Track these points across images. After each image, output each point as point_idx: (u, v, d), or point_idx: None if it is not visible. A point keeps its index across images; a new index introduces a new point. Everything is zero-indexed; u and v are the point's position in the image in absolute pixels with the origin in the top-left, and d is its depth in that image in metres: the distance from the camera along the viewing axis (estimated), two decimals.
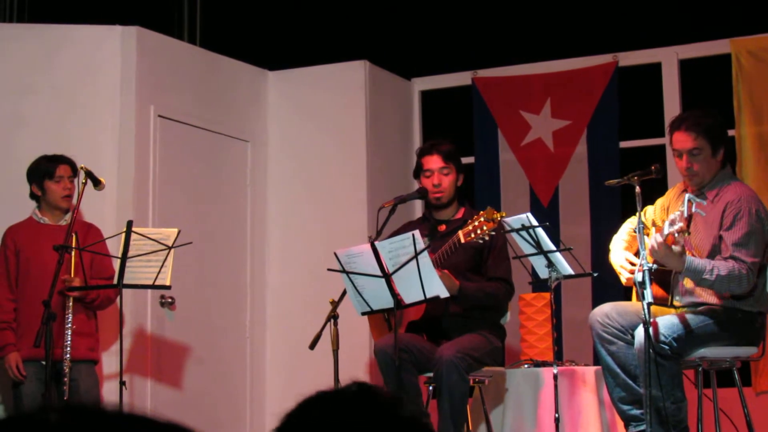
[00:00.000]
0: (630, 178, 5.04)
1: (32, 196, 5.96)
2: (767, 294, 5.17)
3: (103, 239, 5.83)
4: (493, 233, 5.29)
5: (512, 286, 5.73)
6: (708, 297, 5.12)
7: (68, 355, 5.44)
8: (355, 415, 1.36)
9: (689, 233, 4.61)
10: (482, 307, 5.75)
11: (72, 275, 5.59)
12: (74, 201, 5.85)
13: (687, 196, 4.57)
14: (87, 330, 5.84)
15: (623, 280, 5.33)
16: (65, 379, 5.41)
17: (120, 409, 1.15)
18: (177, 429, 1.16)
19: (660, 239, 4.66)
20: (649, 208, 5.49)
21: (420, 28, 8.11)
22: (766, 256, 5.12)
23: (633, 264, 5.24)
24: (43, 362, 5.38)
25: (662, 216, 5.37)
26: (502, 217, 5.23)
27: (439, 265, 5.42)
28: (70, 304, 5.53)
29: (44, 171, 5.90)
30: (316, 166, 7.70)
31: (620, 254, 5.37)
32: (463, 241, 5.35)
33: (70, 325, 5.48)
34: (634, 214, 5.51)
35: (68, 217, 5.90)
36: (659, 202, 5.53)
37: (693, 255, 5.02)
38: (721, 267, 4.87)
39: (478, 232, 5.27)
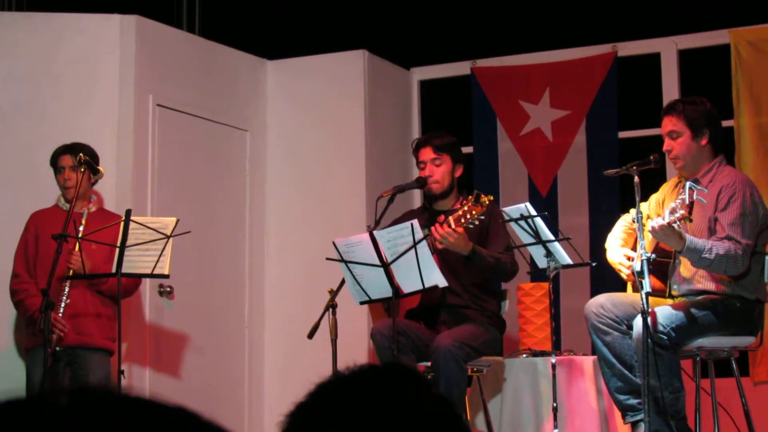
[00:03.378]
0: (629, 168, 5.05)
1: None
2: (764, 282, 5.19)
3: (102, 227, 5.83)
4: (482, 217, 5.29)
5: (516, 261, 5.69)
6: (706, 284, 5.12)
7: (56, 337, 5.47)
8: (391, 389, 1.39)
9: (691, 220, 4.61)
10: (482, 291, 5.77)
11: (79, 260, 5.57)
12: (93, 189, 6.00)
13: (688, 183, 4.59)
14: (103, 315, 5.83)
15: (624, 277, 5.32)
16: (65, 366, 5.44)
17: (128, 393, 1.15)
18: (183, 412, 1.16)
19: (662, 221, 4.67)
20: (644, 205, 5.47)
21: (419, 18, 8.10)
22: (760, 240, 5.13)
23: (630, 259, 5.24)
24: (58, 348, 5.44)
25: (657, 210, 5.37)
26: (489, 200, 5.24)
27: (433, 252, 5.42)
28: (66, 289, 5.55)
29: (52, 162, 5.94)
30: (314, 156, 7.70)
31: (618, 251, 5.35)
32: (453, 226, 5.35)
33: (63, 308, 5.51)
34: (627, 211, 5.54)
35: (92, 205, 5.94)
36: (654, 197, 5.54)
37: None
38: (719, 247, 4.89)
39: (468, 217, 5.27)
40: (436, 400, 1.40)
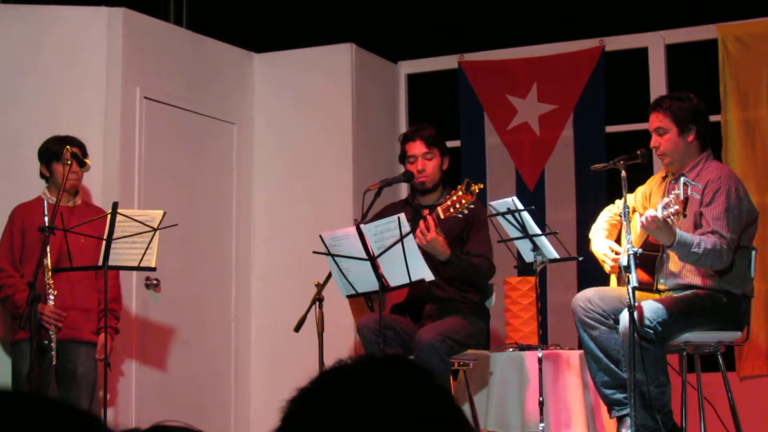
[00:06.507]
0: (616, 162, 5.05)
1: (42, 175, 5.96)
2: (751, 276, 5.20)
3: (88, 220, 5.81)
4: (472, 206, 5.27)
5: (493, 265, 5.71)
6: (693, 278, 5.14)
7: (55, 329, 5.50)
8: (393, 378, 1.39)
9: (685, 215, 4.62)
10: (465, 284, 5.75)
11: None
12: (82, 183, 5.97)
13: (682, 179, 4.59)
14: (90, 309, 5.83)
15: (607, 269, 5.33)
16: (51, 359, 5.43)
17: (11, 391, 1.13)
18: (73, 412, 1.15)
19: (654, 212, 4.68)
20: (629, 197, 5.48)
21: (407, 11, 8.09)
22: (746, 235, 5.15)
23: (616, 252, 5.25)
24: (46, 341, 5.45)
25: (644, 203, 5.39)
26: (479, 189, 5.23)
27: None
28: (51, 281, 5.52)
29: (52, 152, 5.87)
30: (301, 149, 7.69)
31: (602, 243, 5.37)
32: (442, 216, 5.33)
33: (53, 300, 5.50)
34: (613, 202, 5.55)
35: (78, 198, 5.92)
36: (640, 189, 5.55)
37: None
38: (707, 241, 4.91)
39: (457, 206, 5.25)
40: (436, 389, 1.41)
